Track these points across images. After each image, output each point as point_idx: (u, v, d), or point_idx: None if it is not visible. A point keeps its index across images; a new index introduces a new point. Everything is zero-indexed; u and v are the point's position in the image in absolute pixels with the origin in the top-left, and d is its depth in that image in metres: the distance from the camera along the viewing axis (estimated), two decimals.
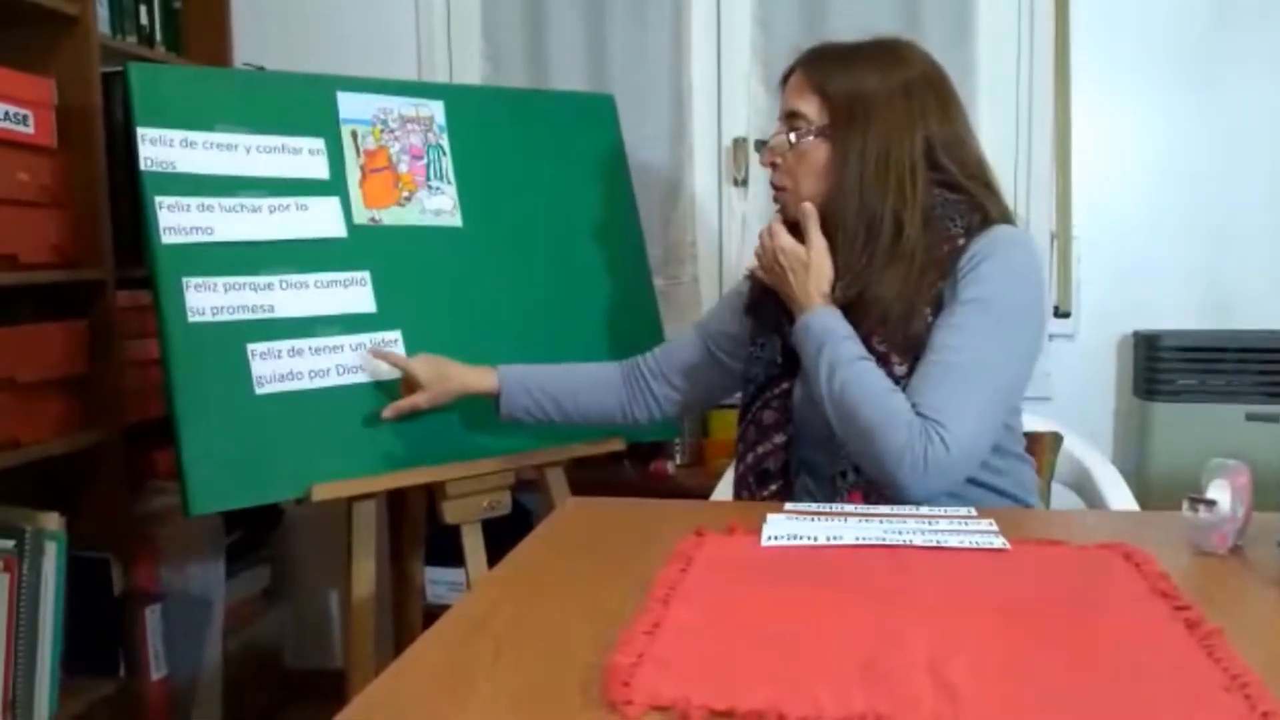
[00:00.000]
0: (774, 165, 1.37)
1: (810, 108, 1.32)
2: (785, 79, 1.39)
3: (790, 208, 1.36)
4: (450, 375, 1.60)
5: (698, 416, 2.27)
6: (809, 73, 1.34)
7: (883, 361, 1.24)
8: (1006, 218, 1.32)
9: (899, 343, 1.24)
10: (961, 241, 1.27)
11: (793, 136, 1.33)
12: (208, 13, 2.37)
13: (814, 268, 1.30)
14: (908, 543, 1.01)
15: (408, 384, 1.63)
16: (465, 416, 1.73)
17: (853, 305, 1.29)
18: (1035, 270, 1.29)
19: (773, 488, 1.36)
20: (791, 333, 1.31)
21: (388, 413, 1.61)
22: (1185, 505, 0.98)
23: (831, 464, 1.31)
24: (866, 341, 1.25)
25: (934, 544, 1.01)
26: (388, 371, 1.66)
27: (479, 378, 1.59)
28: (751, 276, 1.46)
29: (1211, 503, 0.97)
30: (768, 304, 1.40)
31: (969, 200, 1.31)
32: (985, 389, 1.19)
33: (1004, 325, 1.22)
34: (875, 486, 1.23)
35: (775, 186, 1.38)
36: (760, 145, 1.40)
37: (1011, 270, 1.25)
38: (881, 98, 1.29)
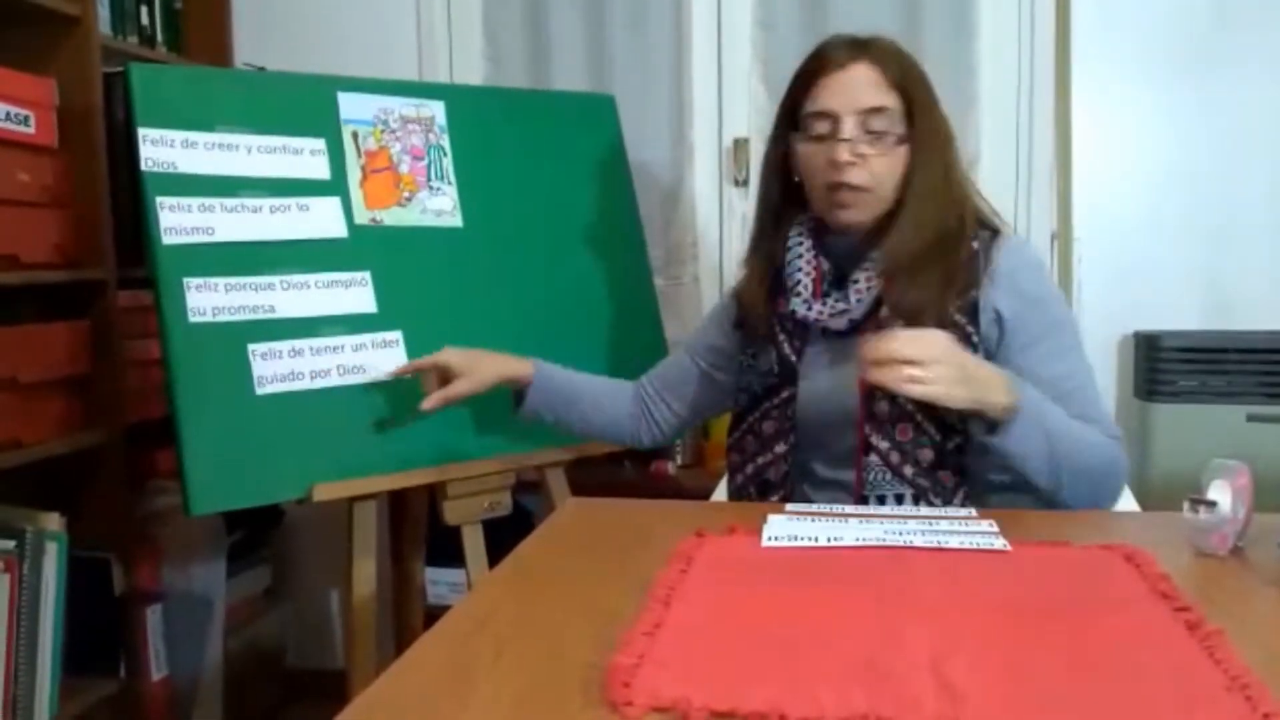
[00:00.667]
0: (852, 164, 1.26)
1: (892, 102, 1.26)
2: (818, 65, 1.29)
3: (865, 210, 1.29)
4: (485, 362, 1.55)
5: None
6: (882, 65, 1.27)
7: None
8: (996, 223, 1.34)
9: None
10: (975, 245, 1.27)
11: (881, 130, 1.25)
12: (208, 13, 2.37)
13: (961, 358, 1.14)
14: (908, 544, 1.01)
15: (442, 376, 1.57)
16: (466, 417, 1.73)
17: (908, 311, 1.26)
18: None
19: (774, 499, 1.34)
20: (1003, 436, 1.16)
21: (428, 404, 1.54)
22: (1186, 506, 0.99)
23: (830, 468, 1.31)
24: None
25: (935, 545, 1.01)
26: (392, 370, 1.65)
27: (516, 365, 1.55)
28: (736, 295, 1.45)
29: (1212, 504, 0.97)
30: (755, 317, 1.39)
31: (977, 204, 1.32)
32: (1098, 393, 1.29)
33: (1077, 337, 1.30)
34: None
35: (853, 186, 1.27)
36: (827, 144, 1.27)
37: (1050, 284, 1.33)
38: (936, 97, 1.29)
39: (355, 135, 1.78)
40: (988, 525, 1.08)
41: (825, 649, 0.76)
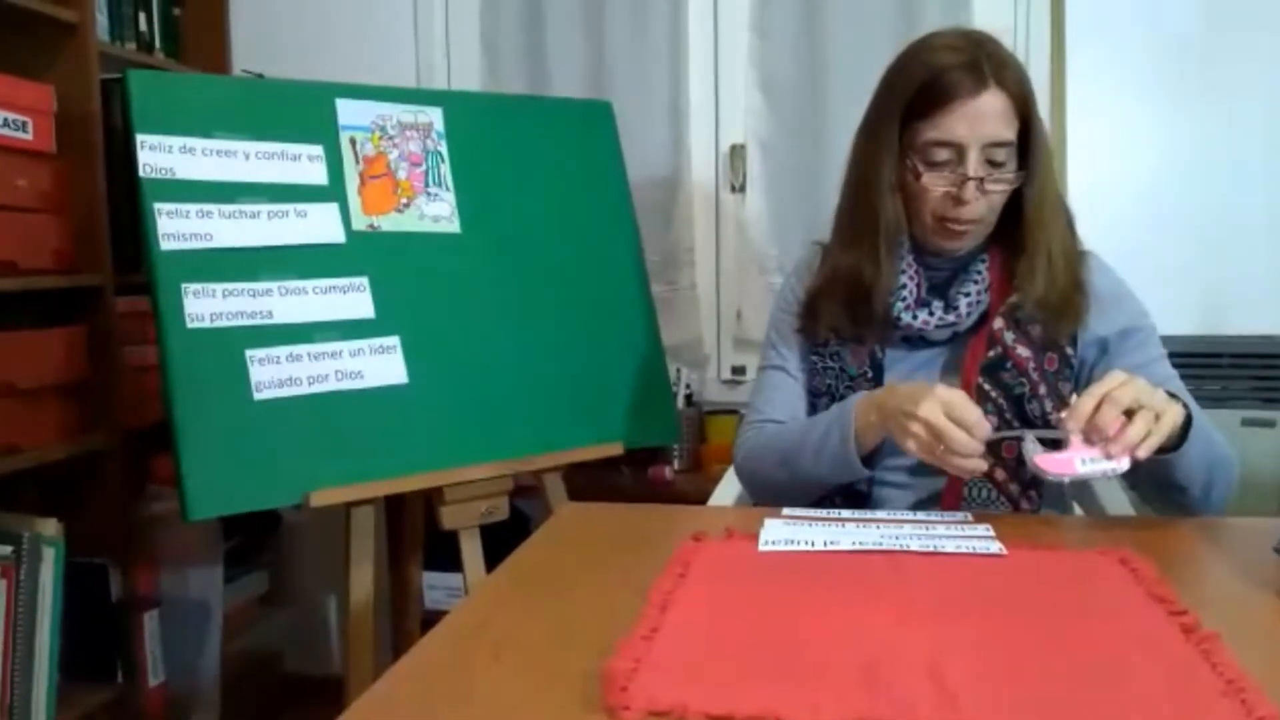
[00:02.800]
0: (969, 200, 1.22)
1: (1015, 134, 1.22)
2: (943, 90, 1.20)
3: (972, 240, 1.27)
4: None
5: (696, 421, 2.27)
6: (1010, 93, 1.21)
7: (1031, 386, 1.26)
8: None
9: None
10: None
11: (1002, 161, 1.22)
12: (207, 20, 2.38)
13: (1139, 385, 1.05)
14: (904, 548, 1.02)
15: None
16: (464, 422, 1.73)
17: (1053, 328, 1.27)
18: None
19: (865, 508, 1.24)
20: (1185, 450, 1.10)
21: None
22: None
23: (908, 474, 1.28)
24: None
25: (931, 549, 1.01)
26: None
27: None
28: (812, 298, 1.37)
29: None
30: (823, 320, 1.34)
31: None
32: None
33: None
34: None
35: (967, 221, 1.23)
36: (946, 173, 1.22)
37: (1135, 300, 1.32)
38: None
39: (353, 141, 1.78)
40: (984, 530, 1.08)
41: (822, 653, 0.76)
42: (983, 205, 1.23)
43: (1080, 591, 0.91)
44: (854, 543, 1.03)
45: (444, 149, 1.87)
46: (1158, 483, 1.16)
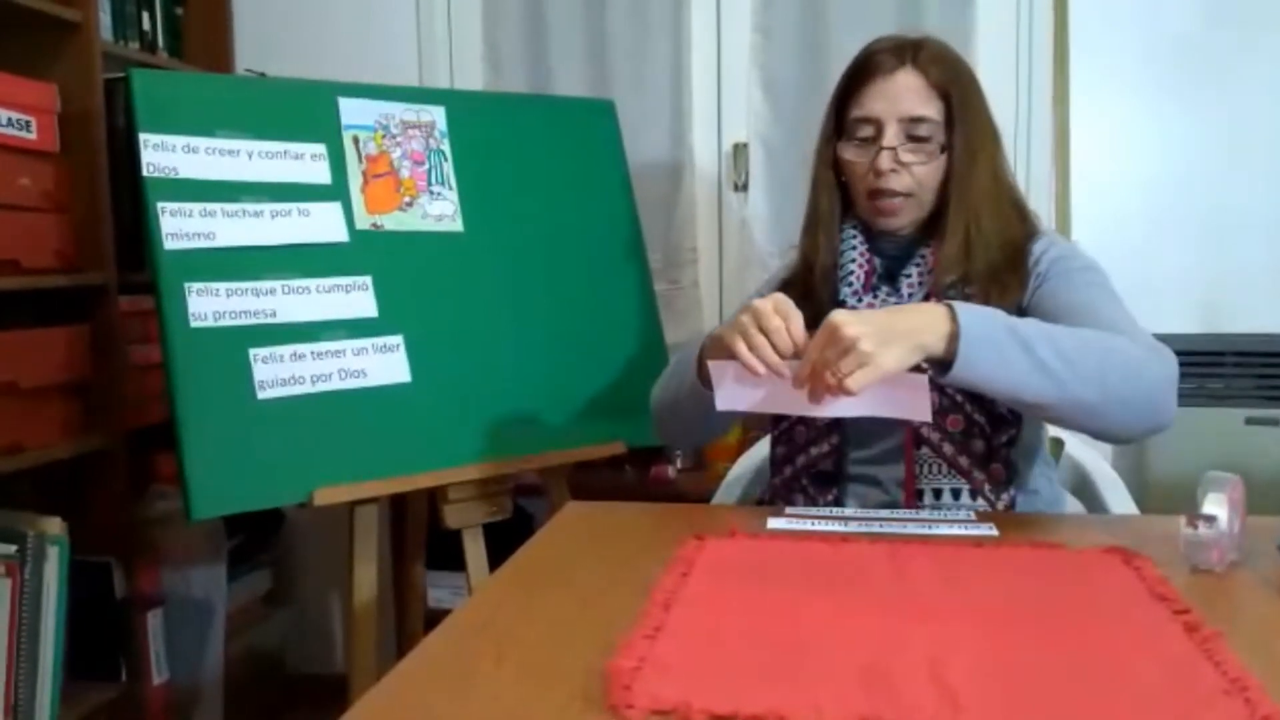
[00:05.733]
0: (893, 170, 1.27)
1: (934, 111, 1.26)
2: (865, 70, 1.28)
3: (905, 216, 1.29)
4: None
5: None
6: (926, 72, 1.27)
7: None
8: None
9: None
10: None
11: (924, 136, 1.26)
12: (210, 19, 2.38)
13: (874, 318, 1.02)
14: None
15: None
16: (467, 421, 1.73)
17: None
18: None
19: (833, 493, 1.28)
20: (959, 366, 1.03)
21: None
22: (1183, 522, 0.96)
23: (876, 465, 1.28)
24: None
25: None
26: None
27: None
28: (785, 286, 1.38)
29: (1211, 518, 0.96)
30: (805, 303, 1.36)
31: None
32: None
33: (1107, 286, 1.26)
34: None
35: (894, 192, 1.27)
36: (871, 149, 1.27)
37: (1081, 251, 1.30)
38: (985, 106, 1.30)
39: (356, 140, 1.78)
40: (987, 529, 1.09)
41: (825, 653, 0.76)
42: (906, 179, 1.27)
43: (1083, 590, 0.91)
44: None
45: (447, 148, 1.87)
46: (1027, 411, 1.15)
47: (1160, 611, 0.84)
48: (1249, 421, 1.94)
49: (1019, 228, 1.30)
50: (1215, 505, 0.96)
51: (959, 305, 1.04)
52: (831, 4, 2.21)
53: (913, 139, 1.26)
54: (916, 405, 1.01)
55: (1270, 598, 0.89)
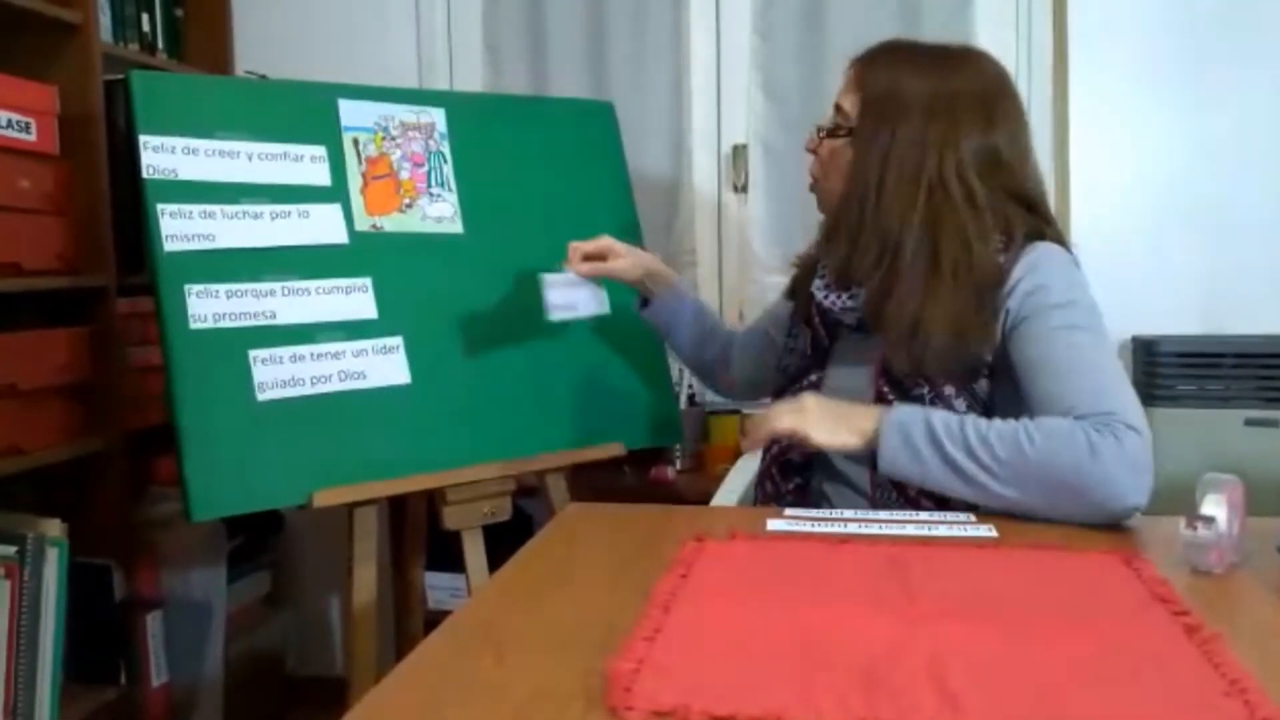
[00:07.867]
0: (814, 154, 1.35)
1: (850, 104, 1.30)
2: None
3: (823, 202, 1.35)
4: (641, 253, 1.69)
5: (698, 422, 2.27)
6: (861, 68, 1.31)
7: (931, 386, 1.22)
8: (1042, 236, 1.27)
9: (947, 370, 1.20)
10: (1001, 259, 1.22)
11: (824, 131, 1.32)
12: (209, 21, 2.38)
13: (829, 406, 1.20)
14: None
15: (600, 255, 1.65)
16: (466, 422, 1.73)
17: (884, 325, 1.23)
18: (1079, 274, 1.25)
19: (796, 481, 1.32)
20: (879, 461, 1.15)
21: (583, 268, 1.61)
22: (1182, 524, 0.96)
23: (846, 462, 1.29)
24: (917, 367, 1.20)
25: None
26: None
27: (664, 268, 1.70)
28: (798, 262, 1.47)
29: (1210, 519, 0.96)
30: (804, 290, 1.40)
31: (1006, 222, 1.25)
32: (1116, 372, 1.15)
33: (1093, 323, 1.19)
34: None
35: (811, 176, 1.37)
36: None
37: (1062, 278, 1.21)
38: (921, 105, 1.24)
39: (356, 142, 1.78)
40: (987, 530, 1.09)
41: (825, 655, 0.76)
42: (813, 164, 1.35)
43: (1082, 592, 0.91)
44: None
45: (446, 149, 1.87)
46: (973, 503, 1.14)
47: (1160, 613, 0.84)
48: (1249, 423, 1.94)
49: (980, 249, 1.21)
50: (1214, 507, 0.96)
51: (901, 408, 1.16)
52: (831, 6, 2.21)
53: (830, 129, 1.32)
54: None
55: (1270, 600, 0.89)
